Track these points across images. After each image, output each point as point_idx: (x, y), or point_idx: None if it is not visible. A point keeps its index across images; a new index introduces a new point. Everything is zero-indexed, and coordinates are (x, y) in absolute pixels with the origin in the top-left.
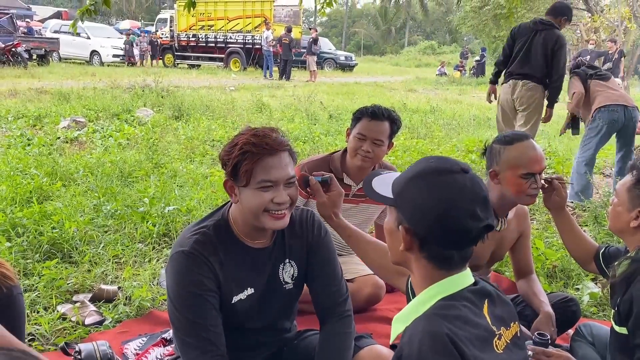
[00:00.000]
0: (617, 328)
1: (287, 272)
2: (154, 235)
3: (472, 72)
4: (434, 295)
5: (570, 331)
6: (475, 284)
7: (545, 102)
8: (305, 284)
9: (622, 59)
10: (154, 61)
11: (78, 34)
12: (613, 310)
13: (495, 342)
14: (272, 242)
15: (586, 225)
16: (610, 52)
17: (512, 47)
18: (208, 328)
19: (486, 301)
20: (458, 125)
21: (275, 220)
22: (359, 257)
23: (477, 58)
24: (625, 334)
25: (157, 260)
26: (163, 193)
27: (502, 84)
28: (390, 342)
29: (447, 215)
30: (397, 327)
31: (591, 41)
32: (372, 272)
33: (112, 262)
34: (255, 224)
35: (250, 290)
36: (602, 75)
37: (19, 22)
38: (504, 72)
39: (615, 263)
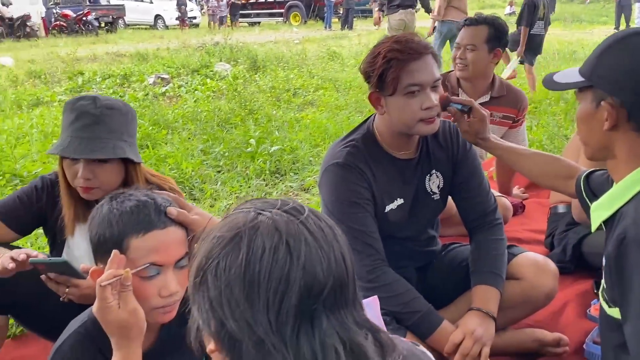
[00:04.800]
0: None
1: (434, 182)
2: (267, 172)
3: None
4: None
5: None
6: None
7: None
8: (450, 197)
9: None
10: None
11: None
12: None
13: None
14: (417, 153)
15: None
16: None
17: None
18: (368, 234)
19: None
20: None
21: (427, 125)
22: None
23: None
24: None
25: (275, 193)
26: (266, 135)
27: (394, 13)
28: (592, 231)
29: None
30: (600, 214)
31: None
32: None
33: (234, 197)
34: (406, 132)
35: (400, 200)
36: None
37: None
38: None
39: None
